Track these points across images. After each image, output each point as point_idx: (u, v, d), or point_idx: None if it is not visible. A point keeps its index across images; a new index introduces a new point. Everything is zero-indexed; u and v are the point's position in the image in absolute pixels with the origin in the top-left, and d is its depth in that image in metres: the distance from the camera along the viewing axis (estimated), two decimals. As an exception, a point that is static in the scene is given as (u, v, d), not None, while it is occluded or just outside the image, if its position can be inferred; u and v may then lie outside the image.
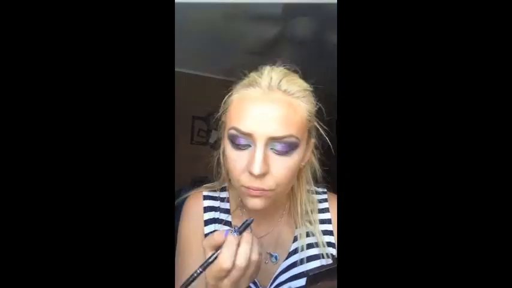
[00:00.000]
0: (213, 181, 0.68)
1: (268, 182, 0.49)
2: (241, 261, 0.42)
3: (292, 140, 0.49)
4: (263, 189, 0.50)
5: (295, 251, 0.62)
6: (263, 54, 2.53)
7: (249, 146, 0.50)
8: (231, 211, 0.65)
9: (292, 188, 0.61)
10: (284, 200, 0.63)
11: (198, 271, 0.44)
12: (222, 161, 0.62)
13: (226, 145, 0.52)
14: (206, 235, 0.63)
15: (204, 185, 0.69)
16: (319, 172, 0.61)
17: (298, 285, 0.60)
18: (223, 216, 0.65)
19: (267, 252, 0.63)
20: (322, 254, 0.61)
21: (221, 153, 0.62)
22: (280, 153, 0.49)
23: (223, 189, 0.68)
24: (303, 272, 0.60)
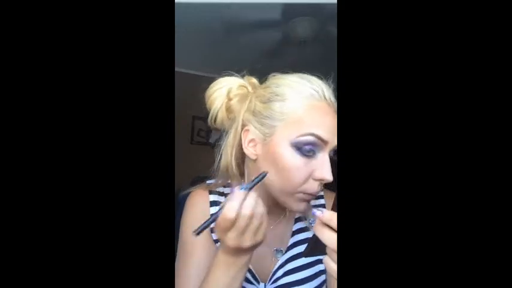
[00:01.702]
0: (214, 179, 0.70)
1: (321, 186, 0.54)
2: (245, 211, 0.44)
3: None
4: (316, 194, 0.54)
5: (293, 245, 0.64)
6: (263, 54, 2.53)
7: (314, 153, 0.52)
8: None
9: None
10: None
11: (211, 219, 0.46)
12: (222, 157, 0.63)
13: (287, 152, 0.53)
14: (212, 229, 0.64)
15: (207, 182, 0.70)
16: None
17: (294, 279, 0.61)
18: None
19: (274, 249, 0.64)
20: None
21: (222, 150, 0.63)
22: (332, 159, 0.54)
23: (226, 185, 0.70)
24: (300, 265, 0.62)
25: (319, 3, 1.86)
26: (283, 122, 0.54)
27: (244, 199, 0.46)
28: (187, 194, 0.69)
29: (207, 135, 3.42)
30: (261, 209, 0.47)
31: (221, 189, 0.69)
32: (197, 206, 0.67)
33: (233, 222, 0.45)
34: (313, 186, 0.52)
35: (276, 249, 0.64)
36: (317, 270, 0.63)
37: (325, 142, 0.52)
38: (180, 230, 0.66)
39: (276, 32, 2.27)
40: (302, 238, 0.64)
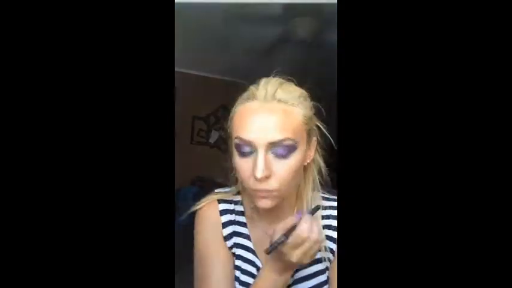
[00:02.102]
0: (223, 184, 0.70)
1: (272, 184, 0.54)
2: (314, 234, 0.50)
3: (290, 142, 0.54)
4: (268, 190, 0.55)
5: None
6: (263, 54, 2.53)
7: (252, 152, 0.54)
8: (245, 213, 0.68)
9: (299, 188, 0.64)
10: (293, 201, 0.65)
11: (283, 238, 0.50)
12: (233, 166, 0.64)
13: (234, 154, 0.57)
14: (226, 237, 0.66)
15: (216, 190, 0.71)
16: (324, 169, 0.65)
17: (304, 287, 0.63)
18: (239, 218, 0.67)
19: None
20: (324, 258, 0.63)
21: (232, 159, 0.64)
22: (280, 156, 0.54)
23: (236, 193, 0.70)
24: (307, 275, 0.63)
25: (319, 3, 1.86)
26: (230, 128, 0.60)
27: (312, 224, 0.51)
28: (194, 212, 0.69)
29: (207, 135, 3.43)
30: (322, 236, 0.53)
31: (230, 198, 0.69)
32: (208, 218, 0.67)
33: (303, 242, 0.50)
34: (255, 183, 0.54)
35: None
36: (317, 270, 0.63)
37: (250, 142, 0.53)
38: (195, 245, 0.66)
39: (276, 32, 2.27)
40: None
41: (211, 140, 3.42)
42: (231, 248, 0.65)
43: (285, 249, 0.51)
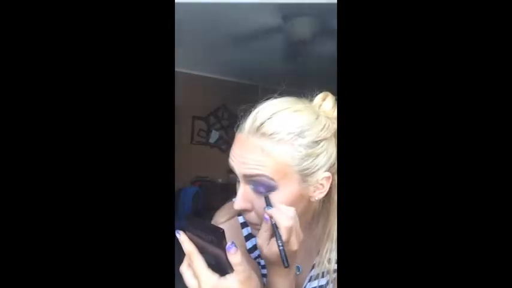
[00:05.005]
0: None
1: (252, 218, 0.54)
2: (290, 213, 0.51)
3: (264, 179, 0.51)
4: (250, 223, 0.56)
5: (313, 266, 0.64)
6: (263, 54, 2.53)
7: (239, 181, 0.55)
8: None
9: (320, 222, 0.62)
10: (308, 218, 0.63)
11: (281, 244, 0.50)
12: None
13: None
14: (249, 250, 0.65)
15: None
16: None
17: None
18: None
19: (295, 265, 0.64)
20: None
21: None
22: (259, 193, 0.52)
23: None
24: (321, 285, 0.63)
25: (319, 3, 1.86)
26: None
27: (279, 211, 0.50)
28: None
29: (207, 135, 3.43)
30: (291, 210, 0.51)
31: None
32: (230, 232, 0.63)
33: (291, 228, 0.50)
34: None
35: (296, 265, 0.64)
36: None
37: (232, 168, 0.54)
38: None
39: (275, 31, 2.27)
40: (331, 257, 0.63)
41: (211, 140, 3.42)
42: (255, 258, 0.65)
43: (288, 248, 0.50)
